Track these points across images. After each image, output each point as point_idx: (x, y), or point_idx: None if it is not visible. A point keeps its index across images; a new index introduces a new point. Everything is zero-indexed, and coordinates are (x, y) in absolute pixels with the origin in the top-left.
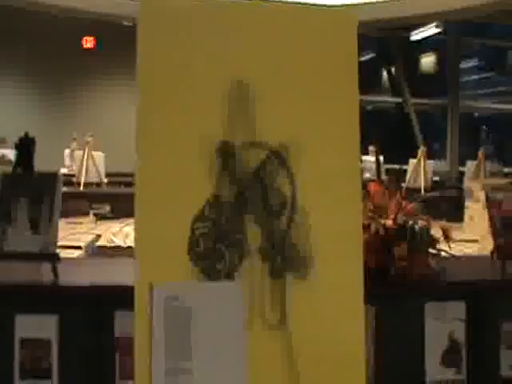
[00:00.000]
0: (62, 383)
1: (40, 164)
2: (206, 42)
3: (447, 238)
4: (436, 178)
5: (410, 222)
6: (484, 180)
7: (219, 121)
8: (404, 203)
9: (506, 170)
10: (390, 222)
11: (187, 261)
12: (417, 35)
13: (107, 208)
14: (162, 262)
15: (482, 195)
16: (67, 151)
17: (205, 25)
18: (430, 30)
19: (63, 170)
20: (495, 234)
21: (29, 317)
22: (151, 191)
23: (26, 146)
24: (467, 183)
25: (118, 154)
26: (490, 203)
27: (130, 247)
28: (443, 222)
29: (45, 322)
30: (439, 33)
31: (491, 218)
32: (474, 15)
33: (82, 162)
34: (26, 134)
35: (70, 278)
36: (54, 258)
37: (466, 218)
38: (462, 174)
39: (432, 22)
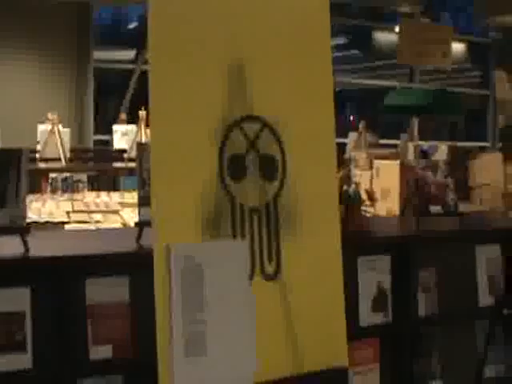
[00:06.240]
0: (36, 354)
1: None
2: (208, 27)
3: (372, 199)
4: None
5: (345, 187)
6: (369, 150)
7: (220, 98)
8: None
9: (381, 141)
10: None
11: (198, 224)
12: None
13: None
14: (176, 226)
15: (375, 164)
16: None
17: (205, 12)
18: None
19: None
20: (410, 195)
21: (1, 291)
22: (164, 163)
23: None
24: (351, 152)
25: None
26: (405, 168)
27: (47, 222)
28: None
29: (17, 295)
30: None
31: (407, 181)
32: None
33: None
34: None
35: (34, 250)
36: (25, 231)
37: None
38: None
39: None
